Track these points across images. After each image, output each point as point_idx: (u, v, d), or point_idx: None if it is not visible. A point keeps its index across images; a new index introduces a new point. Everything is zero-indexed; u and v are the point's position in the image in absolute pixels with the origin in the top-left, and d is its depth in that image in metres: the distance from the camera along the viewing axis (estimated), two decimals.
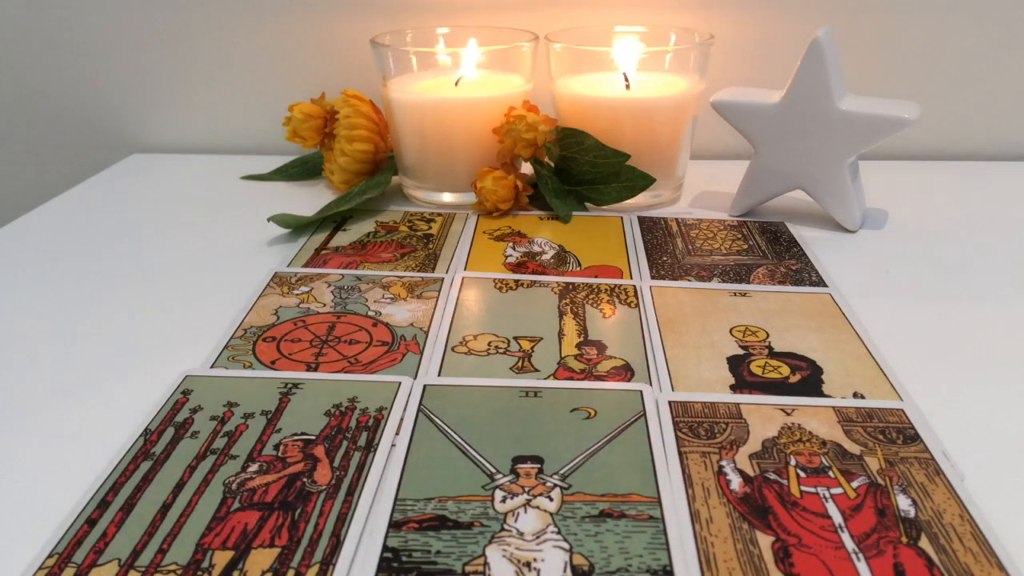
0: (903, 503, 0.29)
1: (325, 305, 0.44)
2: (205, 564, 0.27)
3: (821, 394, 0.36)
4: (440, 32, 0.62)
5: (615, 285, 0.46)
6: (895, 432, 0.33)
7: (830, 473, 0.31)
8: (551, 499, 0.30)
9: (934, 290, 0.46)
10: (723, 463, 0.32)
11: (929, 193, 0.61)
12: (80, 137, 0.75)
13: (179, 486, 0.31)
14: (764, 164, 0.55)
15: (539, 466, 0.31)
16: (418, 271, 0.49)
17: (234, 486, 0.31)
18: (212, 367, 0.39)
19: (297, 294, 0.46)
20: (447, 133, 0.57)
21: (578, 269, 0.49)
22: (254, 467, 0.32)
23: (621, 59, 0.56)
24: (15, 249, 0.54)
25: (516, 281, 0.47)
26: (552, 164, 0.59)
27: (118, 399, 0.37)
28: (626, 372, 0.38)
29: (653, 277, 0.48)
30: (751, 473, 0.31)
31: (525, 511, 0.29)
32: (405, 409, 0.35)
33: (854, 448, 0.32)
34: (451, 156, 0.58)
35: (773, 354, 0.39)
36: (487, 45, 0.58)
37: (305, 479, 0.31)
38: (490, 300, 0.45)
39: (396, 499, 0.30)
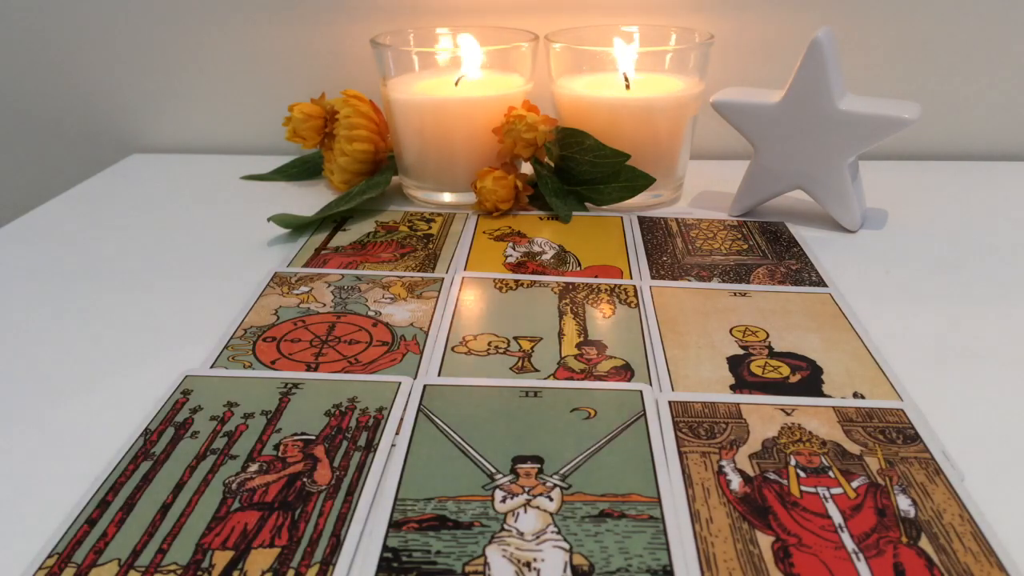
0: (903, 503, 0.29)
1: (325, 305, 0.44)
2: (205, 564, 0.27)
3: (821, 394, 0.36)
4: (440, 32, 0.62)
5: (615, 285, 0.46)
6: (895, 432, 0.33)
7: (830, 473, 0.31)
8: (551, 499, 0.30)
9: (934, 290, 0.46)
10: (723, 463, 0.32)
11: (929, 193, 0.61)
12: (80, 137, 0.75)
13: (179, 486, 0.31)
14: (764, 164, 0.55)
15: (539, 466, 0.31)
16: (418, 271, 0.49)
17: (234, 486, 0.31)
18: (212, 367, 0.39)
19: (297, 294, 0.46)
20: (447, 133, 0.57)
21: (578, 269, 0.49)
22: (254, 467, 0.32)
23: (621, 59, 0.56)
24: (15, 249, 0.54)
25: (516, 281, 0.47)
26: (552, 164, 0.59)
27: (118, 399, 0.37)
28: (626, 372, 0.38)
29: (653, 277, 0.48)
30: (751, 473, 0.31)
31: (525, 511, 0.29)
32: (405, 409, 0.35)
33: (854, 448, 0.32)
34: (451, 156, 0.58)
35: (773, 354, 0.39)
36: (487, 45, 0.58)
37: (305, 479, 0.31)
38: (490, 300, 0.45)
39: (396, 499, 0.30)
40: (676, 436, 0.33)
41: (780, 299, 0.45)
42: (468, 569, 0.27)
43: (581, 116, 0.56)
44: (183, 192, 0.64)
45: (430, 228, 0.55)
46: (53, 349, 0.41)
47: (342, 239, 0.53)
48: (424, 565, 0.27)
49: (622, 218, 0.56)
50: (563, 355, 0.39)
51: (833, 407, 0.35)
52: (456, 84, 0.57)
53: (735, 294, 0.45)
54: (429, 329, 0.42)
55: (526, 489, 0.30)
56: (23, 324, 0.44)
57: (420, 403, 0.35)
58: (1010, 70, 0.66)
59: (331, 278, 0.47)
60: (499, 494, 0.30)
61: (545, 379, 0.37)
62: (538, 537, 0.28)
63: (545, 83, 0.59)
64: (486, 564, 0.27)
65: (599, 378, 0.37)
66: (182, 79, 0.72)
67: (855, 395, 0.36)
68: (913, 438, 0.33)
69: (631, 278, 0.48)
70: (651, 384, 0.37)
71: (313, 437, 0.33)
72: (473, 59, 0.57)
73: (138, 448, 0.33)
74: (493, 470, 0.31)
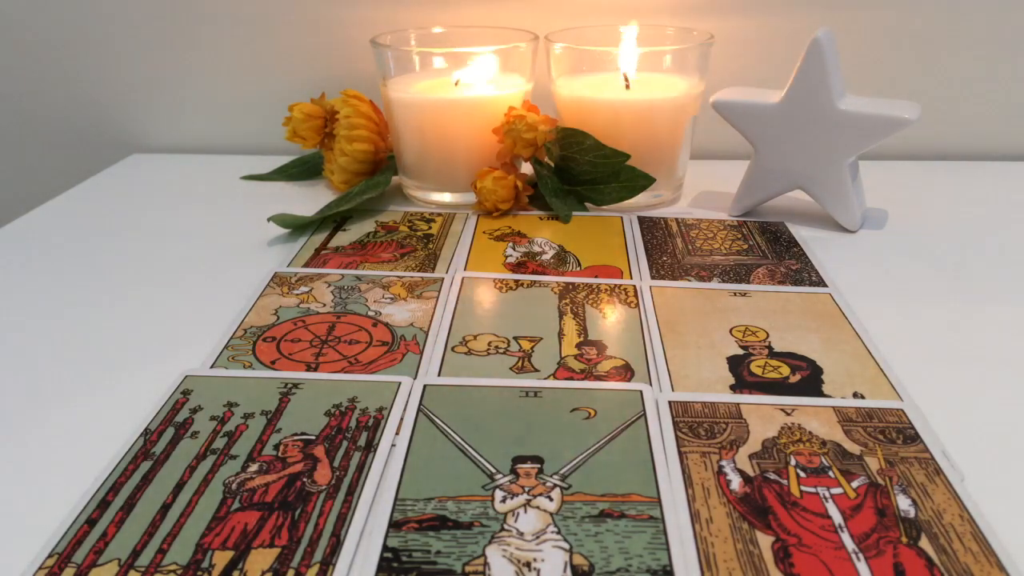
0: (903, 503, 0.29)
1: (325, 305, 0.44)
2: (205, 564, 0.27)
3: (821, 394, 0.36)
4: (438, 31, 0.62)
5: (615, 285, 0.46)
6: (895, 432, 0.33)
7: (830, 473, 0.31)
8: (551, 499, 0.30)
9: (934, 290, 0.46)
10: (723, 463, 0.32)
11: (929, 193, 0.61)
12: (80, 137, 0.75)
13: (179, 486, 0.31)
14: (764, 164, 0.55)
15: (539, 466, 0.31)
16: (418, 271, 0.49)
17: (234, 486, 0.31)
18: (212, 367, 0.39)
19: (297, 294, 0.46)
20: (447, 133, 0.57)
21: (578, 269, 0.49)
22: (254, 467, 0.32)
23: (623, 59, 0.56)
24: (15, 249, 0.54)
25: (516, 281, 0.47)
26: (552, 164, 0.59)
27: (118, 399, 0.37)
28: (626, 372, 0.38)
29: (653, 277, 0.48)
30: (751, 473, 0.31)
31: (525, 511, 0.29)
32: (405, 409, 0.35)
33: (854, 448, 0.32)
34: (451, 156, 0.58)
35: (773, 354, 0.39)
36: (487, 45, 0.58)
37: (305, 479, 0.31)
38: (490, 300, 0.45)
39: (396, 499, 0.30)
40: (676, 436, 0.33)
41: (780, 299, 0.45)
42: (468, 569, 0.27)
43: (581, 116, 0.56)
44: (183, 192, 0.64)
45: (430, 228, 0.55)
46: (53, 349, 0.41)
47: (342, 239, 0.53)
48: (424, 565, 0.27)
49: (622, 218, 0.56)
50: (563, 355, 0.39)
51: (833, 407, 0.35)
52: (456, 84, 0.57)
53: (735, 294, 0.45)
54: (429, 329, 0.42)
55: (526, 489, 0.30)
56: (23, 324, 0.44)
57: (420, 403, 0.35)
58: (1010, 70, 0.66)
59: (331, 278, 0.47)
60: (499, 494, 0.30)
61: (545, 379, 0.37)
62: (538, 537, 0.28)
63: (545, 83, 0.59)
64: (486, 564, 0.27)
65: (599, 378, 0.37)
66: (182, 79, 0.72)
67: (855, 395, 0.36)
68: (913, 438, 0.33)
69: (631, 278, 0.48)
70: (651, 384, 0.37)
71: (313, 437, 0.33)
72: (479, 68, 0.57)
73: (138, 448, 0.33)
74: (493, 470, 0.31)
